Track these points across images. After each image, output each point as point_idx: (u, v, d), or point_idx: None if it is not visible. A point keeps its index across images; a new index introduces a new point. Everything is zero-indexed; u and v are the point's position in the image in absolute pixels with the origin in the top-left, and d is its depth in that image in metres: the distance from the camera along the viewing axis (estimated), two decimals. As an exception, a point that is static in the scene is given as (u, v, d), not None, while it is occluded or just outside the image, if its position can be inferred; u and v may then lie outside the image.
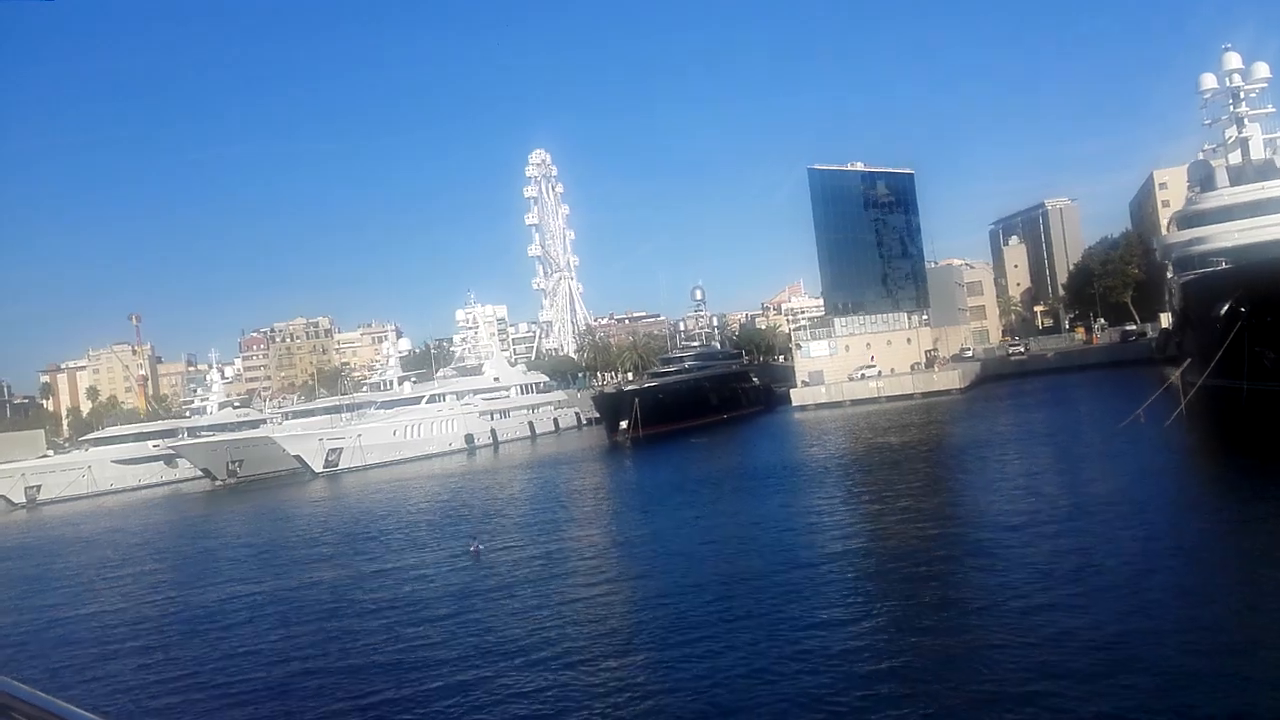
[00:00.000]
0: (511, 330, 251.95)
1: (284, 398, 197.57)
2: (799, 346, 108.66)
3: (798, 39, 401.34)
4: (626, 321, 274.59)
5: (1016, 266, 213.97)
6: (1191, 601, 19.16)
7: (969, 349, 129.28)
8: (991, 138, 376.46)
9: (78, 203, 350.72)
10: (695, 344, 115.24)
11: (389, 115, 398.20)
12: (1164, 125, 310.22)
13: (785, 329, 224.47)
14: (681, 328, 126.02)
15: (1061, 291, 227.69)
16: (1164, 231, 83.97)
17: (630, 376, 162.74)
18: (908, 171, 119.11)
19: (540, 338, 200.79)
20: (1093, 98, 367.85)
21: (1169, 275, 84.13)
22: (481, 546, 34.08)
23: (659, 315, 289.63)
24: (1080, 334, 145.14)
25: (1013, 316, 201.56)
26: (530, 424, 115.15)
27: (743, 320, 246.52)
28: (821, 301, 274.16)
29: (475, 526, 40.99)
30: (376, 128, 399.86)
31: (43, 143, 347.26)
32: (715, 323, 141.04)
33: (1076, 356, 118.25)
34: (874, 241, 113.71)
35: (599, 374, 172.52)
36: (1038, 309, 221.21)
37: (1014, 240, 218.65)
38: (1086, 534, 26.05)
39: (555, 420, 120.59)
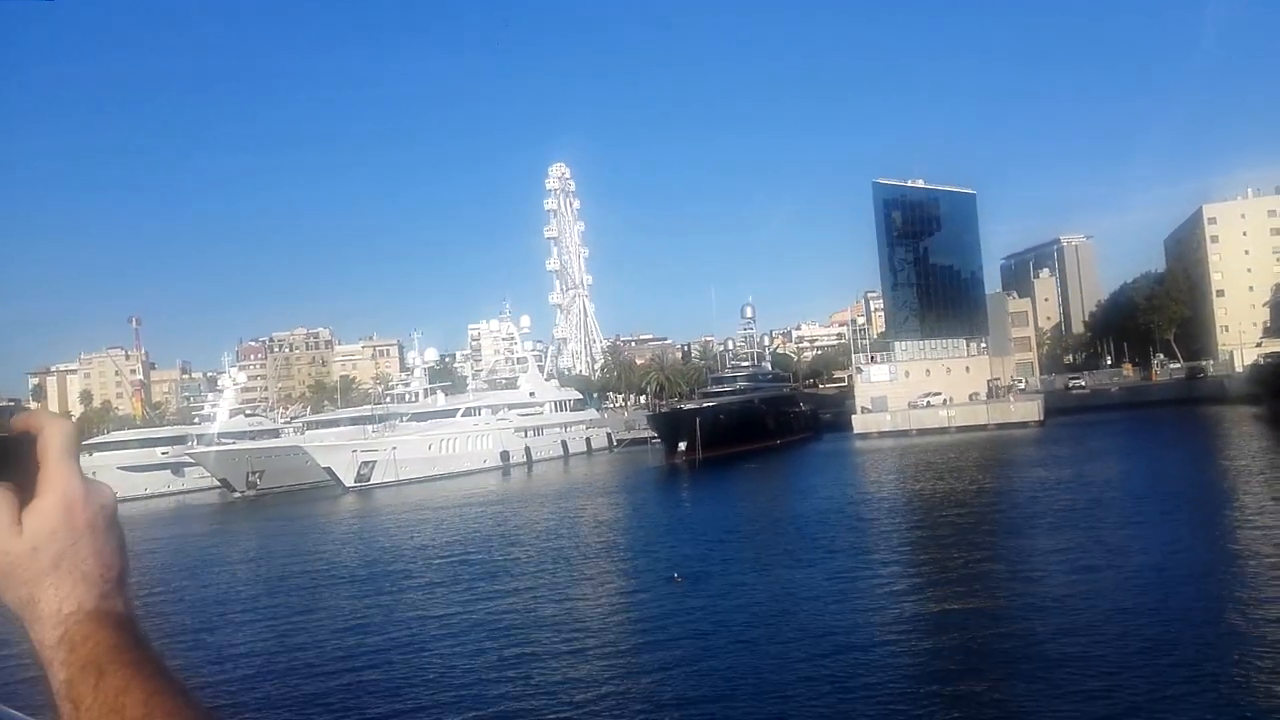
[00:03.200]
0: (517, 348, 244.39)
1: (285, 408, 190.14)
2: (859, 370, 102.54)
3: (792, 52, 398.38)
4: (634, 344, 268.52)
5: (1047, 300, 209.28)
6: None
7: (1020, 380, 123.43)
8: (997, 176, 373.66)
9: (73, 205, 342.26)
10: (746, 364, 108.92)
11: (400, 128, 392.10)
12: (1158, 168, 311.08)
13: (805, 356, 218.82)
14: (730, 346, 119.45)
15: (1082, 327, 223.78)
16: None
17: (644, 399, 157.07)
18: (969, 192, 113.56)
19: (555, 355, 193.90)
20: (1091, 144, 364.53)
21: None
22: (681, 577, 28.45)
23: (666, 338, 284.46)
24: (1128, 370, 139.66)
25: (1044, 349, 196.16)
26: (564, 443, 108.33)
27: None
28: (838, 330, 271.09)
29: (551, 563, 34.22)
30: (387, 141, 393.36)
31: (41, 143, 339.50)
32: (766, 343, 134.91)
33: (1142, 392, 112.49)
34: (939, 263, 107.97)
35: (621, 394, 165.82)
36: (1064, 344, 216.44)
37: (1044, 273, 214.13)
38: None
39: (588, 440, 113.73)
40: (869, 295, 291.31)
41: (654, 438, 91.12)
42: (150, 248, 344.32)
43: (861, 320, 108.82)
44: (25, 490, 1.05)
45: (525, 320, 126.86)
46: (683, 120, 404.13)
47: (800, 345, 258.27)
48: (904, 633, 21.97)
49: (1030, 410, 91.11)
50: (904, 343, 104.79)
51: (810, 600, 25.40)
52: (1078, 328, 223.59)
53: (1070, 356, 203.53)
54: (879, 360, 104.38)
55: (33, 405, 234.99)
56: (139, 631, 1.05)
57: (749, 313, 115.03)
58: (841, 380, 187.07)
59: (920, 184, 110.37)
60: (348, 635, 25.59)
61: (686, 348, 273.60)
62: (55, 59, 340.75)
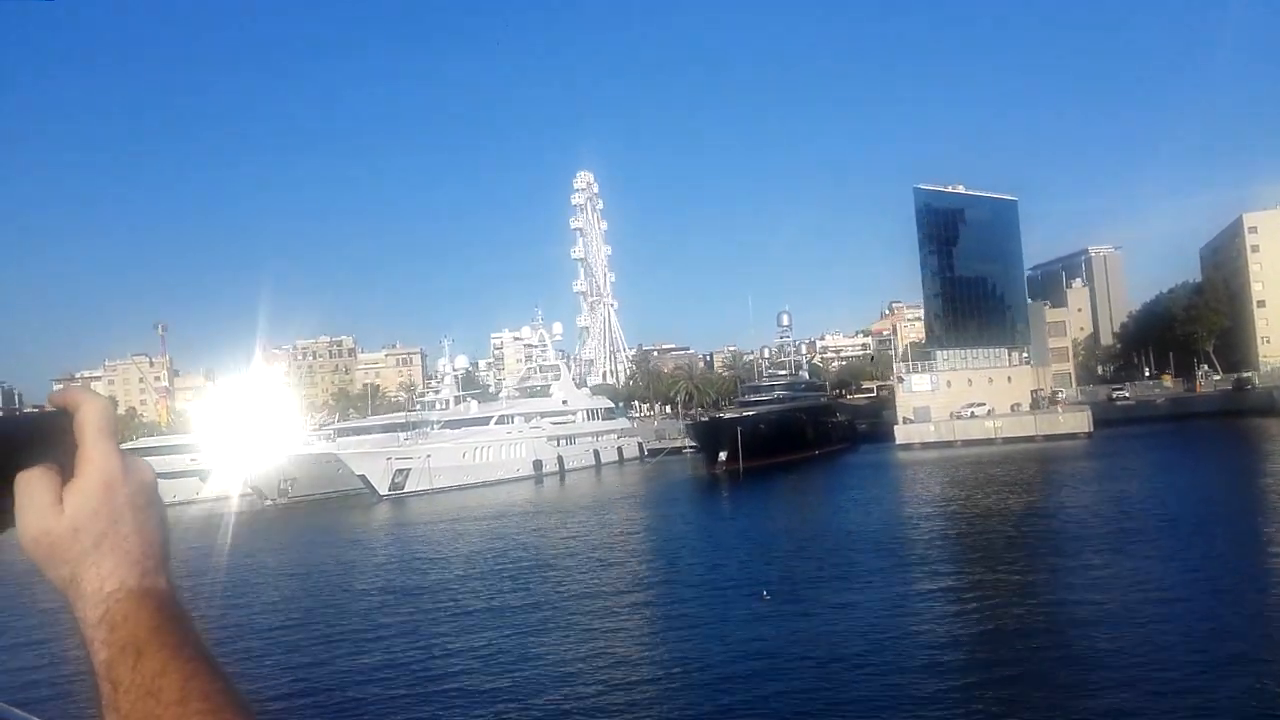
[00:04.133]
0: (539, 357, 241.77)
1: (309, 416, 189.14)
2: (900, 379, 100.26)
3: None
4: (655, 354, 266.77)
5: (1080, 310, 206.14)
6: None
7: (1061, 392, 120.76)
8: (1016, 186, 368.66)
9: (96, 213, 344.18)
10: (783, 373, 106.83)
11: (419, 136, 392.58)
12: (1178, 179, 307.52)
13: (831, 366, 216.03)
14: (768, 354, 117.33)
15: (1111, 339, 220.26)
16: None
17: (668, 409, 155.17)
18: (1011, 198, 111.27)
19: (579, 349, 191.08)
20: (1110, 155, 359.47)
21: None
22: (769, 595, 26.69)
23: (688, 348, 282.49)
24: (1168, 380, 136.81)
25: (1077, 360, 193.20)
26: (596, 452, 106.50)
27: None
28: (862, 341, 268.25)
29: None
30: (408, 148, 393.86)
31: (68, 152, 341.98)
32: (804, 351, 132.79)
33: (1187, 404, 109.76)
34: (980, 271, 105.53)
35: (647, 403, 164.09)
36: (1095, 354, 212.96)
37: (1077, 283, 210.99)
38: None
39: (619, 449, 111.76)
40: (894, 304, 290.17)
41: (689, 447, 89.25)
42: (173, 255, 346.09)
43: (891, 330, 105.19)
44: (64, 469, 1.03)
45: (557, 327, 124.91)
46: (697, 130, 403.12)
47: (825, 356, 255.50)
48: (1034, 652, 20.03)
49: (1079, 421, 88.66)
50: (945, 352, 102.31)
51: (923, 619, 23.47)
52: (1105, 339, 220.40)
53: (1100, 368, 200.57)
54: (919, 369, 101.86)
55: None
56: (180, 610, 1.04)
57: (785, 320, 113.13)
58: (870, 390, 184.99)
59: (960, 189, 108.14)
60: (418, 659, 23.80)
61: (708, 357, 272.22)
62: (82, 65, 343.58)
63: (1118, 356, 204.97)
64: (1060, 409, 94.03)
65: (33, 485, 1.01)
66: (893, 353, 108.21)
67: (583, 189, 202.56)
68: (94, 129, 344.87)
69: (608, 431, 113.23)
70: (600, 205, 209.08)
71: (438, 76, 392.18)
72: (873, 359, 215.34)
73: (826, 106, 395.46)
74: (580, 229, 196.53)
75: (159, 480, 0.91)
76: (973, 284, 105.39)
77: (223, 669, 0.99)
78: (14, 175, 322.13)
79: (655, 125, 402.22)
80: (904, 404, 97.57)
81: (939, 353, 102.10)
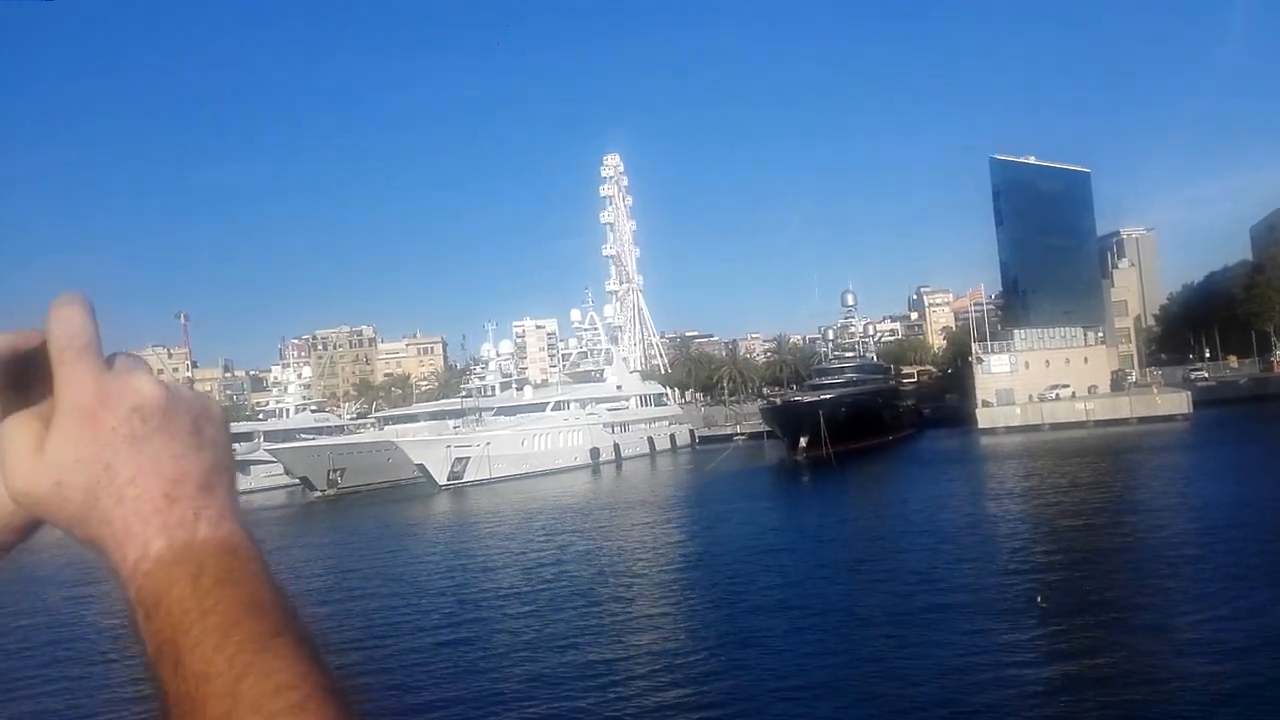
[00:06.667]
0: (561, 345, 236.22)
1: (334, 407, 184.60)
2: (979, 360, 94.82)
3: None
4: (680, 340, 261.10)
5: (1128, 291, 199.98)
6: None
7: (1128, 372, 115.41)
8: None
9: (115, 201, 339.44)
10: (850, 355, 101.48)
11: (444, 128, 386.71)
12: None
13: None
14: (830, 335, 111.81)
15: (1151, 320, 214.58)
16: None
17: (701, 395, 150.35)
18: (1084, 170, 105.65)
19: (612, 347, 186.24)
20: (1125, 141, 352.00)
21: None
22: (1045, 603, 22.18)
23: (712, 335, 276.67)
24: (1233, 360, 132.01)
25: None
26: (650, 440, 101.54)
27: (801, 342, 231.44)
28: (890, 327, 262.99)
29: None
30: (424, 142, 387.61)
31: (91, 142, 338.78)
32: (872, 332, 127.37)
33: (1269, 384, 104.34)
34: (1055, 245, 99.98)
35: (686, 390, 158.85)
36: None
37: (1124, 263, 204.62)
38: None
39: (672, 436, 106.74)
40: (922, 289, 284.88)
41: (741, 434, 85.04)
42: (190, 247, 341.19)
43: (978, 306, 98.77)
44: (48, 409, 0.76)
45: (608, 309, 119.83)
46: (715, 116, 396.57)
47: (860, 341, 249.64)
48: None
49: (1178, 403, 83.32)
50: (1023, 331, 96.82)
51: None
52: (1144, 320, 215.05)
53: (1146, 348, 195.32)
54: (996, 350, 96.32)
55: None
56: (235, 565, 0.72)
57: (850, 300, 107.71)
58: (910, 375, 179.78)
59: (1033, 160, 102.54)
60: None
61: (732, 343, 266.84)
62: (108, 62, 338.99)
63: (1157, 338, 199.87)
64: (1156, 389, 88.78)
65: (8, 435, 0.76)
66: (970, 332, 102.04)
67: (610, 174, 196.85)
68: (117, 120, 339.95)
69: (660, 418, 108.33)
70: (627, 195, 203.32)
71: (459, 67, 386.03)
72: (907, 343, 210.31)
73: (841, 98, 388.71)
74: (610, 221, 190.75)
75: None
76: (1048, 259, 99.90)
77: (299, 645, 0.70)
78: (35, 163, 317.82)
79: (659, 118, 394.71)
80: (984, 386, 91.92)
81: (1016, 332, 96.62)
